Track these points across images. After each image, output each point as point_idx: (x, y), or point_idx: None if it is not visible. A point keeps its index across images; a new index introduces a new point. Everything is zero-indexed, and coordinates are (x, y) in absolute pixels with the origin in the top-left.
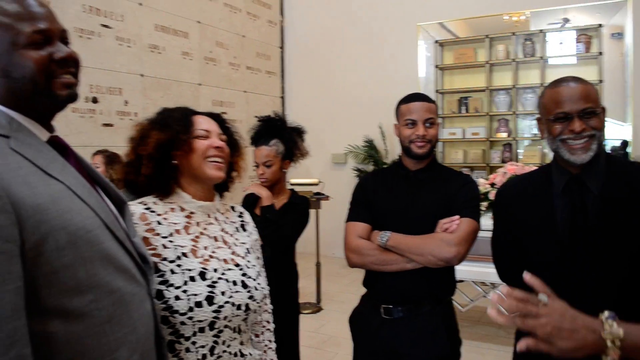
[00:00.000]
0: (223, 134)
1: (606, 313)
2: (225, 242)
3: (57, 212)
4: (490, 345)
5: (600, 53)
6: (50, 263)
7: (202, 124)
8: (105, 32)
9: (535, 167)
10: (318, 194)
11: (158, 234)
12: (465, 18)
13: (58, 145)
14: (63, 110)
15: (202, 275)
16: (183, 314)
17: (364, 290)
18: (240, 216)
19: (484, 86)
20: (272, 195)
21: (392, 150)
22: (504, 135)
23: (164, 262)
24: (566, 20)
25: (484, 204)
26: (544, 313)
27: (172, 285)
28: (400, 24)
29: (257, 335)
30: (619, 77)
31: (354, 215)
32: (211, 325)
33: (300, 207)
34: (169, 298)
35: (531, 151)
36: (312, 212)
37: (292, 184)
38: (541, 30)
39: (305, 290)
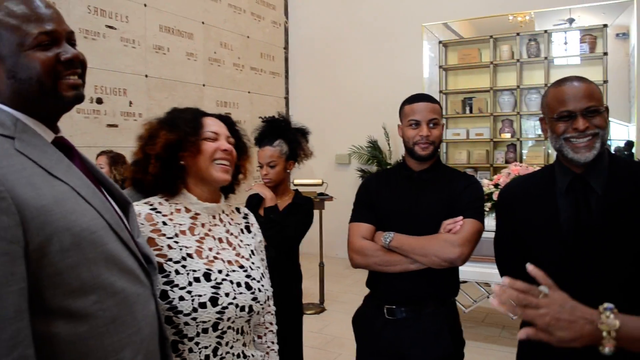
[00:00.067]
0: (231, 137)
1: (605, 305)
2: (229, 244)
3: (61, 214)
4: (494, 346)
5: (605, 53)
6: (54, 264)
7: (211, 126)
8: (110, 33)
9: (540, 167)
10: (322, 194)
11: (163, 235)
12: (470, 18)
13: (63, 146)
14: (68, 111)
15: (207, 276)
16: (187, 315)
17: (367, 290)
18: (245, 218)
19: (488, 87)
20: (276, 196)
21: (395, 151)
22: (508, 135)
23: (169, 262)
24: (571, 21)
25: (487, 205)
26: (544, 304)
27: (176, 285)
28: (405, 24)
29: (259, 337)
30: (624, 77)
31: (357, 216)
32: (215, 326)
33: (304, 207)
34: (173, 298)
35: (535, 152)
36: (315, 212)
37: (295, 185)
38: (546, 31)
39: (309, 291)
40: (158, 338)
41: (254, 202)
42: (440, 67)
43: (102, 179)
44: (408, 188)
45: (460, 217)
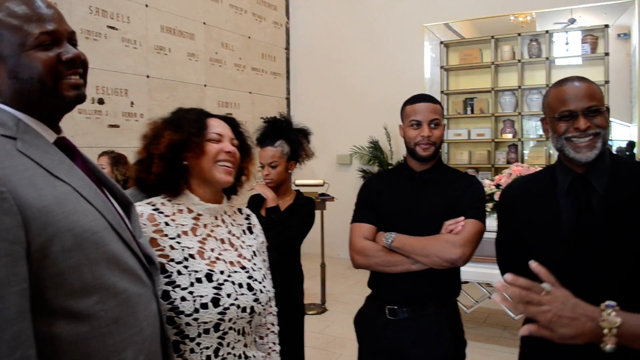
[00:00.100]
0: (235, 139)
1: (607, 302)
2: (232, 245)
3: (63, 214)
4: (495, 347)
5: (607, 54)
6: (56, 265)
7: (216, 127)
8: (111, 33)
9: (541, 168)
10: (323, 195)
11: (166, 235)
12: (471, 19)
13: (65, 146)
14: (70, 111)
15: (209, 277)
16: (188, 315)
17: (368, 291)
18: (247, 219)
19: (489, 87)
20: (277, 196)
21: (397, 151)
22: (509, 136)
23: (171, 263)
24: (572, 21)
25: (489, 205)
26: (546, 301)
27: (178, 286)
28: (406, 24)
29: (261, 338)
30: (625, 77)
31: (359, 216)
32: (216, 327)
33: (306, 208)
34: (175, 299)
35: (537, 152)
36: (317, 213)
37: (297, 185)
38: (547, 31)
39: (310, 291)
40: (160, 338)
41: (255, 202)
42: (441, 67)
43: (104, 179)
44: (409, 188)
45: (462, 218)
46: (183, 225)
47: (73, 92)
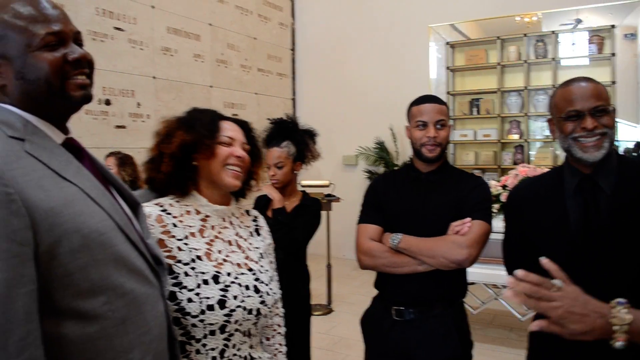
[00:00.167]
0: (247, 144)
1: (617, 299)
2: (239, 247)
3: (70, 215)
4: (502, 348)
5: (613, 54)
6: (64, 265)
7: (228, 130)
8: (118, 34)
9: (548, 169)
10: (329, 195)
11: (173, 236)
12: (477, 19)
13: (73, 147)
14: (77, 112)
15: (216, 278)
16: (195, 317)
17: (374, 292)
18: (254, 220)
19: (495, 88)
20: (284, 197)
21: (403, 152)
22: (515, 137)
23: (178, 264)
24: (578, 21)
25: (495, 206)
26: (557, 297)
27: (185, 287)
28: (411, 25)
29: (267, 339)
30: (632, 78)
31: (365, 217)
32: (222, 329)
33: (312, 209)
34: (182, 300)
35: (543, 153)
36: (323, 214)
37: (303, 186)
38: (553, 32)
39: (316, 292)
40: (167, 338)
41: (262, 203)
42: (447, 68)
43: (111, 179)
44: (416, 189)
45: (468, 219)
46: (191, 226)
47: (80, 92)
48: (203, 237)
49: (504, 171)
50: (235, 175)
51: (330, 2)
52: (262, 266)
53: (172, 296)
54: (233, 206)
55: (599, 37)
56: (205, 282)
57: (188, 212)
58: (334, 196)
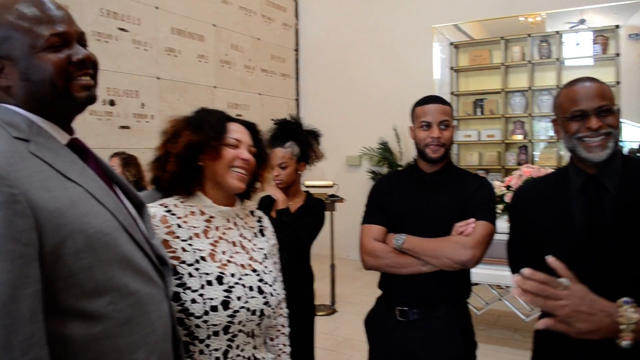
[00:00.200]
0: (254, 147)
1: (624, 298)
2: (243, 247)
3: (75, 216)
4: (506, 349)
5: (618, 54)
6: (68, 266)
7: (235, 132)
8: (122, 35)
9: (552, 169)
10: (333, 196)
11: (178, 237)
12: (481, 20)
13: (78, 147)
14: (81, 113)
15: (219, 279)
16: (198, 317)
17: (378, 292)
18: (259, 221)
19: (499, 88)
20: (287, 198)
21: (406, 153)
22: (519, 137)
23: (183, 265)
24: (582, 21)
25: (499, 207)
26: (564, 295)
27: (189, 288)
28: (415, 26)
29: (271, 339)
30: (637, 78)
31: (369, 217)
32: (225, 329)
33: (316, 209)
34: (186, 301)
35: (547, 153)
36: (326, 214)
37: (306, 186)
38: (557, 32)
39: (320, 293)
40: (171, 339)
41: (265, 203)
42: (451, 68)
43: (117, 180)
44: (419, 190)
45: (472, 220)
46: (195, 227)
47: (84, 93)
48: (207, 238)
49: (508, 172)
50: (240, 178)
51: (334, 3)
52: (266, 267)
53: (176, 297)
54: (237, 207)
55: (603, 37)
56: (209, 283)
57: (192, 213)
58: (337, 197)
